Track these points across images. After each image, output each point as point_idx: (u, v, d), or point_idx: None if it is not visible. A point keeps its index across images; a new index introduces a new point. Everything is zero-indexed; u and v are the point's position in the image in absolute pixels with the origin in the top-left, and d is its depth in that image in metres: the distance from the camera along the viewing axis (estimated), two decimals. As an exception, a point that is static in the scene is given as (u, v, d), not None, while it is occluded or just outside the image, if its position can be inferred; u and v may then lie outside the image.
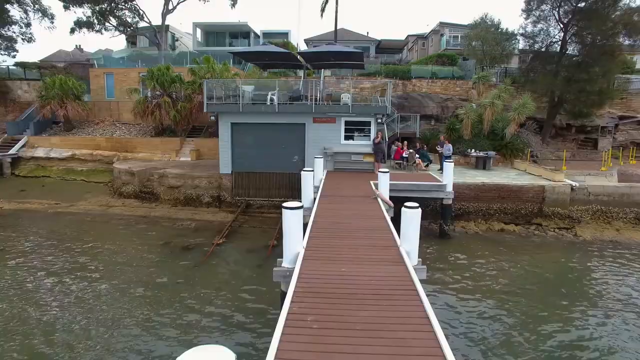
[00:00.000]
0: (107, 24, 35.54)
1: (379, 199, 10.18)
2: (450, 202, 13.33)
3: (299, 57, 17.39)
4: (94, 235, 13.62)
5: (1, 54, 27.38)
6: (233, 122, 15.67)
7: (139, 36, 42.49)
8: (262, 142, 15.90)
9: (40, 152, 21.75)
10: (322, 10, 27.35)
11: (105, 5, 34.11)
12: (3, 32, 26.76)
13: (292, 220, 6.05)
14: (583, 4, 19.68)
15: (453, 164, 13.08)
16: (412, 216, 6.31)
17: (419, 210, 6.37)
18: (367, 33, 45.55)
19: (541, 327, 7.99)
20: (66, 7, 33.24)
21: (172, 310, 8.52)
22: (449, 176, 12.96)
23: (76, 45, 54.12)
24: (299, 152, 15.77)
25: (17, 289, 9.49)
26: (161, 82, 20.56)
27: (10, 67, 26.57)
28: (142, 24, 37.94)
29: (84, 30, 35.01)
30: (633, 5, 20.38)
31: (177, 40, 45.86)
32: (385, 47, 44.31)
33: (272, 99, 15.90)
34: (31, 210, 16.68)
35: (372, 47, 42.36)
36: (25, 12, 27.82)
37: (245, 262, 11.21)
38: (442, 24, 40.70)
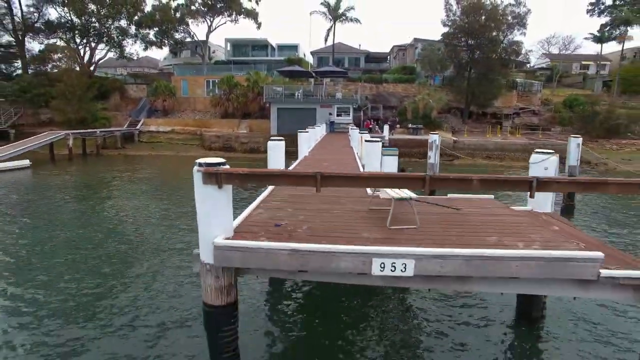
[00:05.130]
0: (165, 41, 49.41)
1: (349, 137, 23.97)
2: (387, 145, 27.08)
3: (312, 72, 31.31)
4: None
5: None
6: (278, 107, 29.51)
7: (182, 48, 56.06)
8: (293, 118, 29.66)
9: (152, 128, 35.62)
10: (326, 39, 41.31)
11: (164, 27, 47.91)
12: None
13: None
14: (478, 40, 33.42)
15: (389, 127, 26.84)
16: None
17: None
18: (360, 46, 58.94)
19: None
20: (137, 31, 47.23)
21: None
22: (386, 132, 26.77)
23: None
24: (313, 123, 29.44)
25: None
26: (229, 85, 34.38)
27: (125, 76, 40.75)
28: (187, 39, 51.61)
29: (154, 47, 49.08)
30: (513, 39, 34.28)
31: (213, 52, 59.64)
32: (373, 57, 57.81)
33: (297, 95, 29.75)
34: (166, 155, 30.62)
35: (362, 58, 55.85)
36: (135, 41, 41.93)
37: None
38: (416, 39, 54.00)
